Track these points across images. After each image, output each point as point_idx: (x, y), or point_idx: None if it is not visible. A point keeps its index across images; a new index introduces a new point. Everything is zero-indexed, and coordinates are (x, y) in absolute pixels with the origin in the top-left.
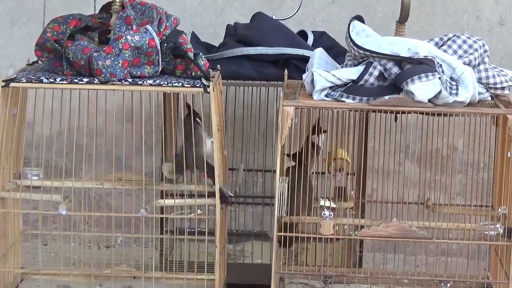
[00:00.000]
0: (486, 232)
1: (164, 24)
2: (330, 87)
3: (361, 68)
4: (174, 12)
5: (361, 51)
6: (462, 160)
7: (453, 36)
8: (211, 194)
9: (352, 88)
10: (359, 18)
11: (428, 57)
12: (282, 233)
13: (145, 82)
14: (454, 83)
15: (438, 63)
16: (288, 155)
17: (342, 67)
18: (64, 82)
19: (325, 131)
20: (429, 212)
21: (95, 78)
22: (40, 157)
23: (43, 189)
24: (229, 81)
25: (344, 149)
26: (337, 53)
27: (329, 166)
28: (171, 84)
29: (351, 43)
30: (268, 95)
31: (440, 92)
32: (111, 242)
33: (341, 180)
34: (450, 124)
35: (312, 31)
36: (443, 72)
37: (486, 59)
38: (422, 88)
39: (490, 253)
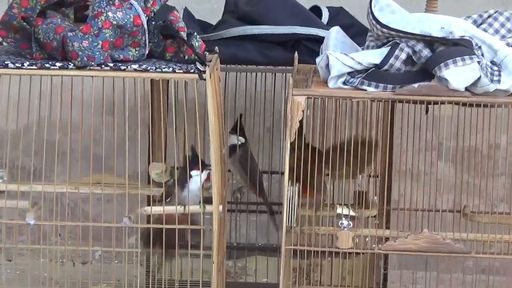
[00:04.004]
0: None
1: None
2: (348, 73)
3: (385, 50)
4: None
5: (385, 30)
6: (506, 159)
7: (495, 13)
8: (207, 201)
9: (374, 74)
10: None
11: (464, 38)
12: (292, 247)
13: (129, 67)
14: (495, 68)
15: (476, 44)
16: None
17: (362, 49)
18: (33, 67)
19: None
20: (466, 222)
21: (70, 63)
22: (4, 156)
23: (8, 194)
24: (229, 65)
25: None
26: (357, 33)
27: None
28: (159, 70)
29: (373, 21)
30: (275, 83)
31: (479, 78)
32: (88, 257)
33: (361, 184)
34: (491, 117)
35: (327, 7)
36: (482, 55)
37: None
38: (458, 74)
39: None
